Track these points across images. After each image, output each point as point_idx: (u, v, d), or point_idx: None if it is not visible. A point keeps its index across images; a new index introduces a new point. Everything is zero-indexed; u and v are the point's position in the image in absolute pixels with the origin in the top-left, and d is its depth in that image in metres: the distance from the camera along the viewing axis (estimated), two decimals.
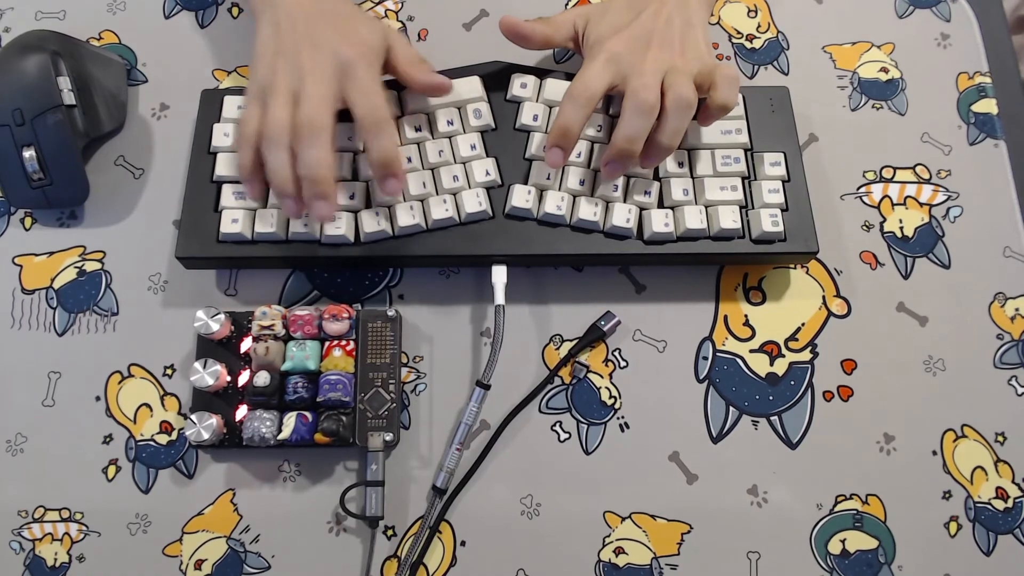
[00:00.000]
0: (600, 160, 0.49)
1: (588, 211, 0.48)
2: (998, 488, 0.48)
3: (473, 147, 0.50)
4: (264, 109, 0.45)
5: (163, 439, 0.48)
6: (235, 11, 0.58)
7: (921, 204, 0.54)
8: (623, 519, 0.47)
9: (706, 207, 0.49)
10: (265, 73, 0.45)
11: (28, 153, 0.50)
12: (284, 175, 0.44)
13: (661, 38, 0.47)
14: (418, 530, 0.46)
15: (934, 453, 0.49)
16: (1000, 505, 0.48)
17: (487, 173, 0.49)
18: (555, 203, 0.48)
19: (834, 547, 0.47)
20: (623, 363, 0.50)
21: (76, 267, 0.52)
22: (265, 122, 0.44)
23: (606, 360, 0.50)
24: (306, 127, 0.43)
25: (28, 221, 0.53)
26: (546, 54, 0.57)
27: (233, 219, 0.48)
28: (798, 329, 0.51)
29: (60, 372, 0.49)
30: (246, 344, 0.48)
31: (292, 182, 0.44)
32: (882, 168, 0.55)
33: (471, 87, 0.51)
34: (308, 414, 0.46)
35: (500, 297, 0.48)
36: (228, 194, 0.49)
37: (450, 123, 0.50)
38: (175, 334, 0.50)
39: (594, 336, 0.50)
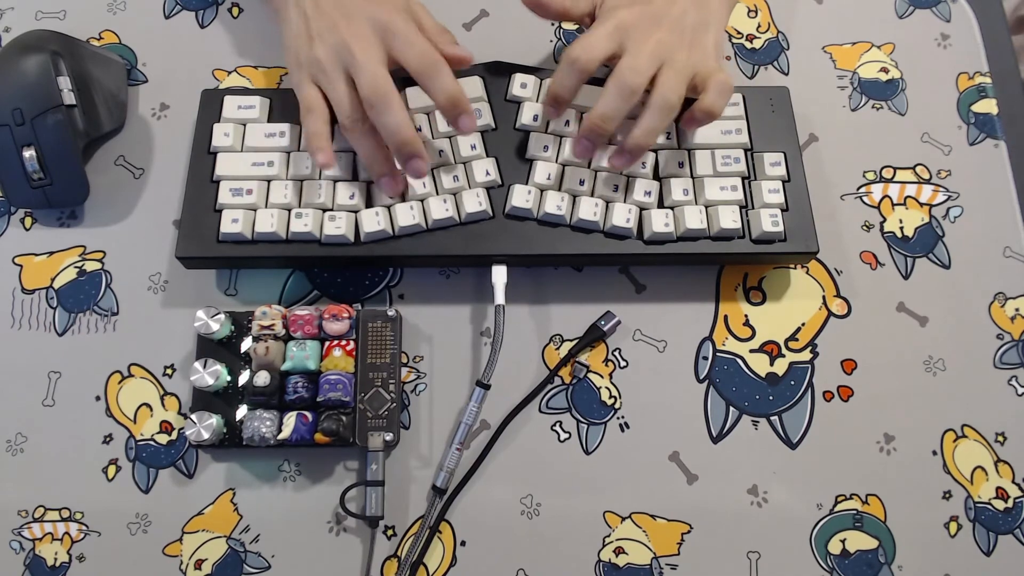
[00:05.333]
0: (592, 156, 0.49)
1: (588, 211, 0.48)
2: (998, 488, 0.48)
3: (473, 147, 0.50)
4: (325, 91, 0.46)
5: (163, 439, 0.48)
6: (235, 11, 0.58)
7: (921, 204, 0.54)
8: (623, 519, 0.47)
9: (706, 207, 0.49)
10: (309, 57, 0.47)
11: (28, 153, 0.50)
12: (378, 159, 0.47)
13: (672, 24, 0.47)
14: (418, 530, 0.46)
15: (934, 453, 0.49)
16: (1000, 505, 0.48)
17: (487, 173, 0.50)
18: (555, 203, 0.48)
19: (834, 547, 0.47)
20: (623, 363, 0.50)
21: (76, 267, 0.52)
22: (340, 111, 0.46)
23: (606, 360, 0.50)
24: (373, 95, 0.44)
25: (28, 221, 0.53)
26: (547, 54, 0.57)
27: (233, 219, 0.48)
28: (798, 329, 0.51)
29: (60, 372, 0.49)
30: (246, 344, 0.48)
31: (386, 162, 0.47)
32: (882, 168, 0.55)
33: (471, 87, 0.51)
34: (308, 414, 0.46)
35: (500, 297, 0.48)
36: (227, 193, 0.49)
37: None
38: (175, 334, 0.50)
39: (594, 336, 0.50)
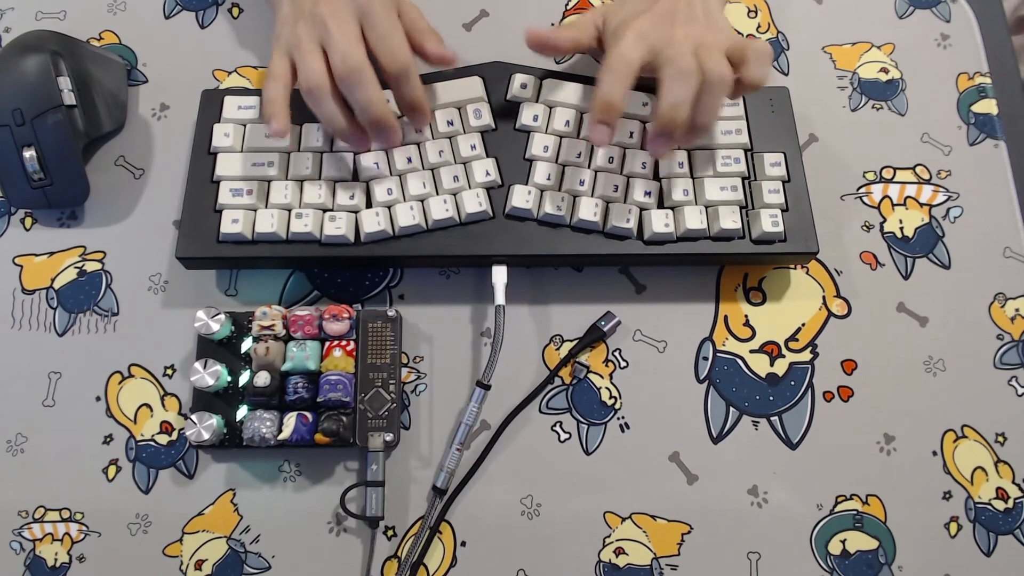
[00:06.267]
0: (668, 151, 0.47)
1: (588, 211, 0.48)
2: (998, 488, 0.48)
3: (473, 147, 0.50)
4: (297, 62, 0.46)
5: (163, 439, 0.48)
6: (235, 11, 0.58)
7: (921, 204, 0.54)
8: (623, 519, 0.47)
9: (706, 207, 0.49)
10: (288, 35, 0.47)
11: (28, 153, 0.50)
12: (339, 123, 0.47)
13: (686, 15, 0.47)
14: (418, 530, 0.46)
15: (934, 453, 0.49)
16: (1000, 505, 0.48)
17: (487, 173, 0.50)
18: (555, 203, 0.48)
19: (834, 547, 0.47)
20: (623, 363, 0.50)
21: (76, 267, 0.52)
22: (303, 76, 0.46)
23: (606, 360, 0.50)
24: (344, 69, 0.44)
25: (28, 221, 0.53)
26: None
27: (233, 219, 0.48)
28: (798, 329, 0.51)
29: (60, 372, 0.49)
30: (246, 344, 0.48)
31: (348, 124, 0.47)
32: (882, 168, 0.55)
33: (471, 87, 0.51)
34: (308, 414, 0.46)
35: (500, 297, 0.48)
36: (227, 193, 0.49)
37: (450, 123, 0.50)
38: (175, 334, 0.50)
39: (594, 336, 0.50)
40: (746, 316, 0.51)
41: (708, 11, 0.48)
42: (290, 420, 0.45)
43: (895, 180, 0.54)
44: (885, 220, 0.54)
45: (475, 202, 0.48)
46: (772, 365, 0.50)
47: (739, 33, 0.58)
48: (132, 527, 0.47)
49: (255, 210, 0.49)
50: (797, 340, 0.51)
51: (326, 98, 0.46)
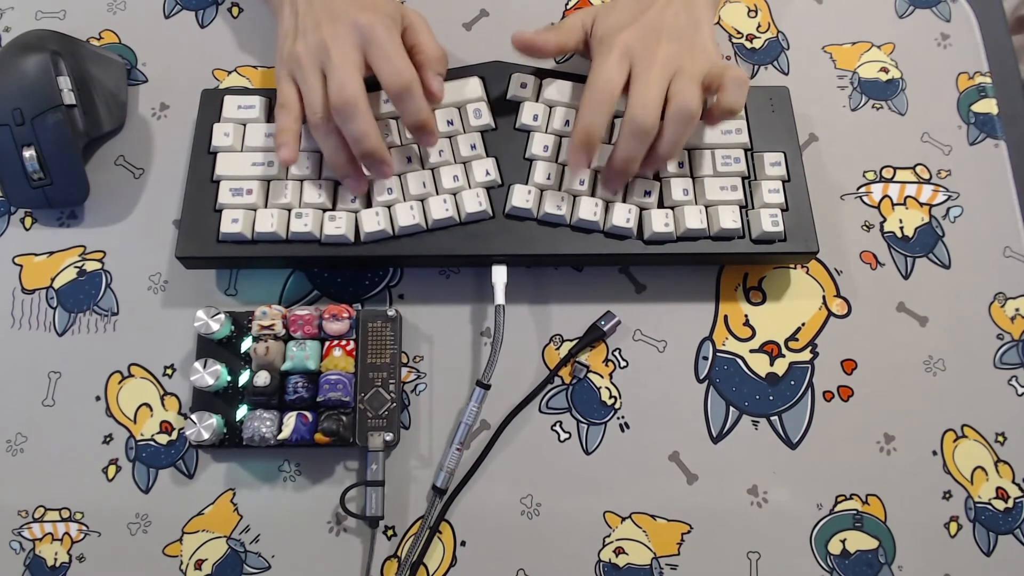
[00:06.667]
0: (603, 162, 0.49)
1: (588, 211, 0.48)
2: (998, 488, 0.48)
3: (473, 147, 0.50)
4: (300, 86, 0.47)
5: (163, 439, 0.48)
6: (235, 11, 0.58)
7: (921, 204, 0.54)
8: (623, 519, 0.47)
9: (706, 207, 0.49)
10: (290, 54, 0.47)
11: (28, 153, 0.50)
12: (341, 160, 0.47)
13: (671, 32, 0.47)
14: (418, 530, 0.46)
15: (934, 453, 0.49)
16: (1000, 505, 0.48)
17: (487, 173, 0.50)
18: (555, 203, 0.48)
19: (834, 547, 0.47)
20: (623, 363, 0.50)
21: (76, 267, 0.52)
22: (309, 111, 0.46)
23: (606, 360, 0.50)
24: (340, 101, 0.44)
25: (28, 221, 0.53)
26: None
27: (233, 219, 0.48)
28: (798, 329, 0.51)
29: (60, 372, 0.49)
30: (246, 344, 0.48)
31: (349, 163, 0.47)
32: (882, 168, 0.55)
33: (471, 87, 0.51)
34: (308, 414, 0.46)
35: (500, 297, 0.48)
36: (227, 193, 0.49)
37: (450, 123, 0.50)
38: (175, 334, 0.50)
39: (594, 336, 0.50)
40: (746, 316, 0.51)
41: (696, 26, 0.48)
42: (290, 420, 0.45)
43: (895, 180, 0.54)
44: (885, 220, 0.54)
45: (475, 202, 0.48)
46: (772, 365, 0.50)
47: (739, 33, 0.58)
48: (132, 527, 0.47)
49: (255, 210, 0.49)
50: (797, 340, 0.51)
51: (330, 134, 0.46)
